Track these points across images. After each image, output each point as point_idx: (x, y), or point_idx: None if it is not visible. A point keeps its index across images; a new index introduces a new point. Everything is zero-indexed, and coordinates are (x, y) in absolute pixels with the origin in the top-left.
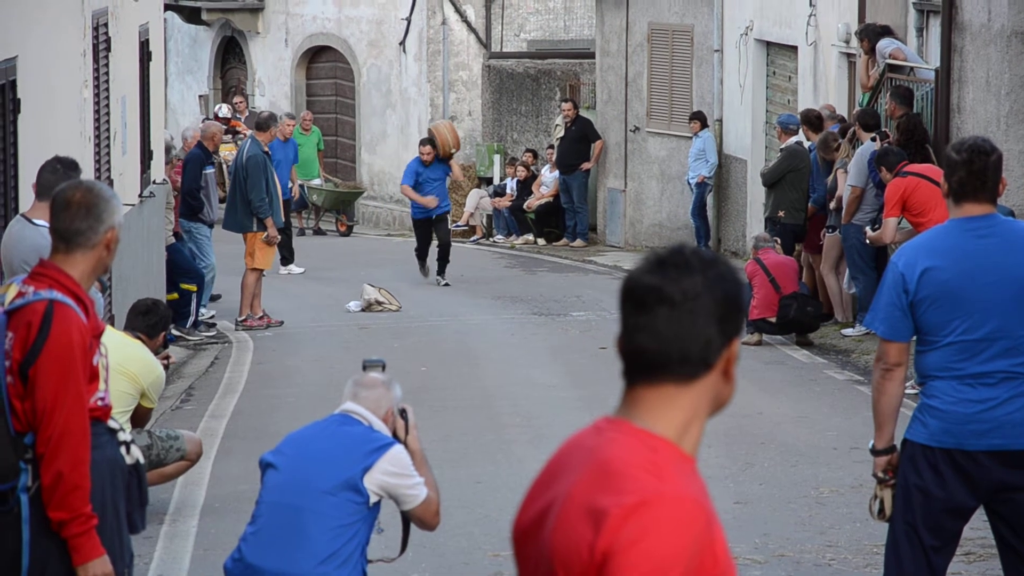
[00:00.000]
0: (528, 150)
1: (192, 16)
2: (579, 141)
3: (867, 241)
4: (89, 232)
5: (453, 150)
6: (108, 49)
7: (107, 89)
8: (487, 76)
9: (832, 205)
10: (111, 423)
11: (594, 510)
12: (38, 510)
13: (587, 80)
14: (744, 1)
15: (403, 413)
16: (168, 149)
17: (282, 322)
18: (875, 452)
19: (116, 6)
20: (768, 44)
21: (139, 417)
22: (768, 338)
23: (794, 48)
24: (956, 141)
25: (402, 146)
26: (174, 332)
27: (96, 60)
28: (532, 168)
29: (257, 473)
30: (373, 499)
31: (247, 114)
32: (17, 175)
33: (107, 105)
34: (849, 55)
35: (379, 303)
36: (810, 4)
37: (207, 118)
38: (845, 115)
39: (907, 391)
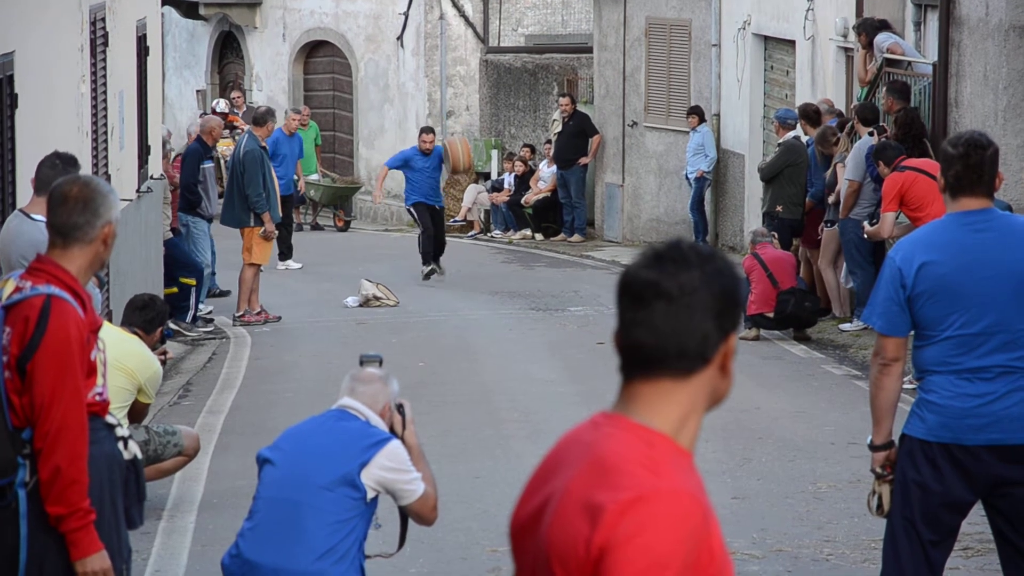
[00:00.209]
0: (526, 145)
1: (190, 11)
2: (577, 136)
3: (865, 236)
4: (86, 227)
5: (462, 168)
6: (106, 44)
7: (104, 84)
8: (485, 71)
9: (831, 199)
10: (109, 418)
11: (591, 505)
12: (36, 505)
13: (585, 75)
14: None
15: (400, 408)
16: (163, 143)
17: (280, 318)
18: (873, 447)
19: (113, 1)
20: (766, 38)
21: (136, 413)
22: (766, 333)
23: (792, 42)
24: (952, 135)
25: (400, 141)
26: (172, 326)
27: (94, 55)
28: (530, 163)
29: (255, 469)
30: (371, 494)
31: (245, 109)
32: (14, 170)
33: (105, 100)
34: (847, 49)
35: (377, 298)
36: None
37: (205, 113)
38: (843, 109)
39: (905, 386)
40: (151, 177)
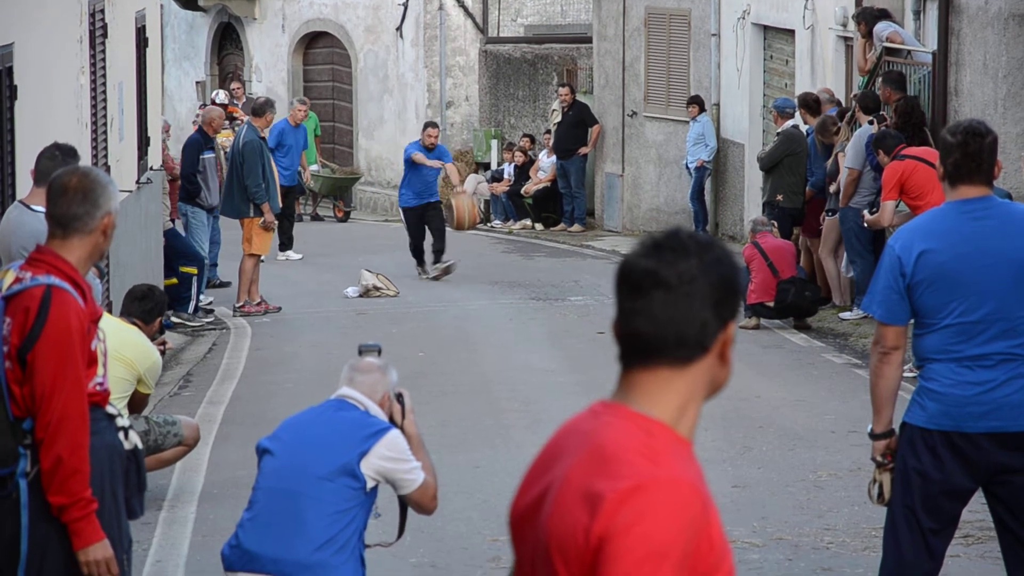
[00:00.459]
0: (525, 135)
1: (189, 2)
2: (576, 126)
3: (865, 224)
4: (86, 217)
5: (465, 227)
6: (105, 35)
7: (104, 75)
8: (484, 61)
9: (832, 189)
10: (109, 408)
11: (590, 494)
12: (37, 495)
13: (584, 65)
14: None
15: (400, 397)
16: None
17: (280, 308)
18: (873, 436)
19: None
20: (765, 28)
21: (136, 403)
22: (766, 322)
23: (791, 32)
24: (951, 124)
25: (399, 131)
26: (174, 319)
27: (93, 46)
28: (529, 153)
29: (255, 459)
30: (370, 484)
31: (244, 100)
32: (14, 162)
33: (104, 91)
34: (846, 38)
35: (377, 289)
36: None
37: (204, 104)
38: (843, 99)
39: (905, 375)
40: (150, 168)
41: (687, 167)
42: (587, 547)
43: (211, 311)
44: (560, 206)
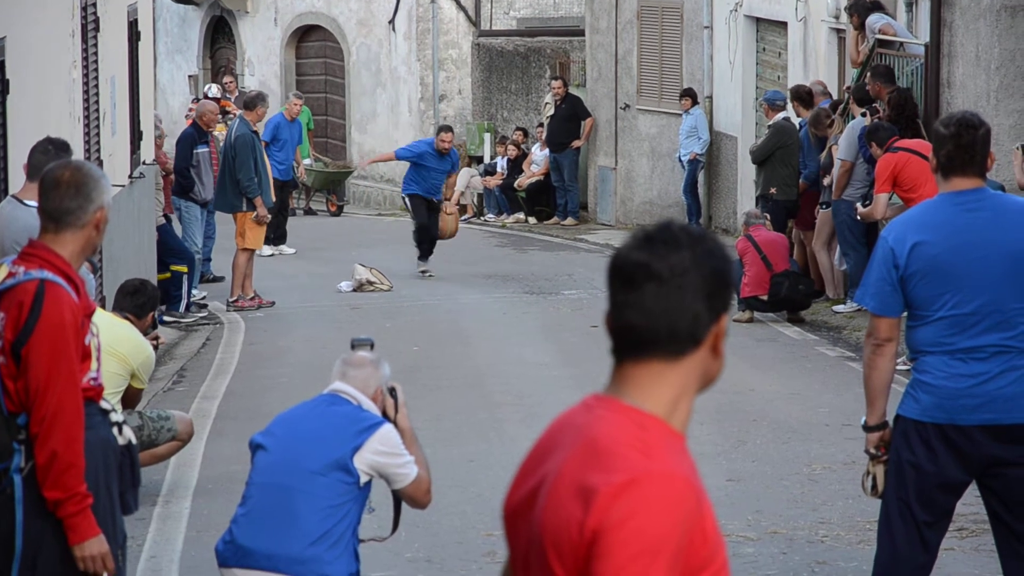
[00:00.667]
0: (518, 128)
1: None
2: (569, 119)
3: (858, 217)
4: (79, 211)
5: (446, 236)
6: (97, 29)
7: (96, 69)
8: (477, 54)
9: (826, 181)
10: (103, 404)
11: (584, 488)
12: (32, 491)
13: (577, 58)
14: None
15: (392, 391)
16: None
17: (273, 303)
18: (867, 428)
19: None
20: (758, 20)
21: (130, 398)
22: (759, 315)
23: (784, 24)
24: (945, 116)
25: (392, 125)
26: (167, 317)
27: (85, 40)
28: (522, 147)
29: (249, 454)
30: (363, 479)
31: (237, 94)
32: (6, 156)
33: (96, 85)
34: (839, 31)
35: (370, 283)
36: None
37: (197, 98)
38: (835, 91)
39: (899, 367)
40: (143, 162)
41: (680, 160)
42: (581, 541)
43: (204, 306)
44: (553, 199)
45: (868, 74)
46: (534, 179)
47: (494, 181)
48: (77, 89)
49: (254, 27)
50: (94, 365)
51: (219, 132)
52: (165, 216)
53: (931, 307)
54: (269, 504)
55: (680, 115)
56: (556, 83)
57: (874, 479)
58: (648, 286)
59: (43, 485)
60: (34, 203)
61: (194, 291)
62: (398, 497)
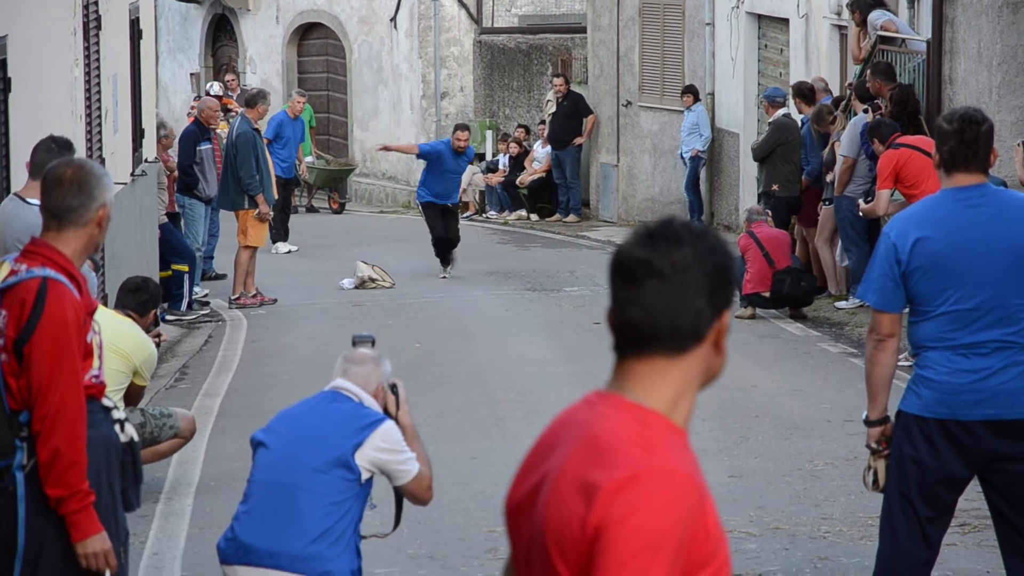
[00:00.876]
0: (520, 125)
1: None
2: (571, 116)
3: (860, 213)
4: (81, 209)
5: None
6: (98, 27)
7: (98, 68)
8: (478, 52)
9: (828, 178)
10: (105, 401)
11: (586, 485)
12: (34, 488)
13: (579, 55)
14: None
15: (394, 388)
16: (157, 128)
17: (275, 300)
18: (868, 423)
19: None
20: (760, 17)
21: (132, 395)
22: (761, 311)
23: (785, 21)
24: (948, 112)
25: (394, 122)
26: (168, 315)
27: (87, 38)
28: (524, 144)
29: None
30: (365, 475)
31: (239, 92)
32: (8, 154)
33: (98, 84)
34: (841, 27)
35: (372, 280)
36: None
37: (199, 96)
38: (837, 87)
39: (900, 363)
40: (145, 160)
41: (682, 157)
42: (583, 537)
43: (207, 303)
44: (555, 196)
45: (869, 71)
46: (536, 176)
47: (496, 178)
48: (79, 87)
49: (256, 25)
50: (96, 363)
51: (222, 130)
52: (169, 215)
53: (933, 303)
54: (271, 501)
55: (682, 112)
56: (558, 80)
57: (875, 474)
58: (650, 282)
59: (45, 482)
60: (36, 201)
61: (196, 289)
62: (400, 494)
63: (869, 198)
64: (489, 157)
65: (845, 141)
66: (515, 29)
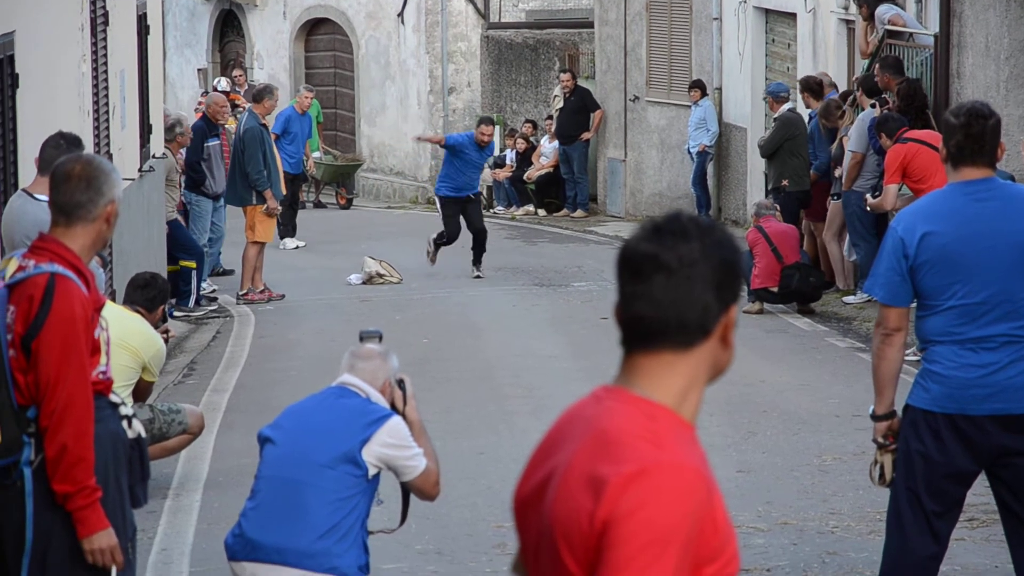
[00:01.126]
0: (527, 121)
1: None
2: (578, 111)
3: (868, 208)
4: (89, 205)
5: None
6: (106, 23)
7: (105, 63)
8: (486, 47)
9: (836, 173)
10: (113, 397)
11: (594, 479)
12: (41, 484)
13: (586, 50)
14: None
15: (401, 383)
16: (172, 126)
17: (283, 295)
18: (875, 418)
19: None
20: (767, 11)
21: (141, 391)
22: (769, 306)
23: (793, 15)
24: (955, 106)
25: (401, 118)
26: (176, 312)
27: (94, 34)
28: (531, 139)
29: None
30: (372, 471)
31: (246, 87)
32: (16, 150)
33: (106, 79)
34: (848, 21)
35: (380, 275)
36: None
37: (206, 92)
38: (844, 82)
39: (908, 357)
40: (153, 156)
41: (689, 152)
42: (591, 532)
43: (215, 299)
44: (563, 192)
45: (877, 65)
46: (543, 171)
47: (503, 173)
48: (86, 83)
49: (263, 20)
50: (103, 359)
51: (231, 125)
52: (176, 211)
53: (941, 297)
54: (278, 498)
55: (689, 107)
56: (565, 76)
57: (882, 468)
58: (657, 277)
59: (52, 478)
60: (45, 197)
61: (203, 284)
62: (407, 489)
63: (877, 193)
64: (496, 152)
65: (854, 136)
66: (522, 24)
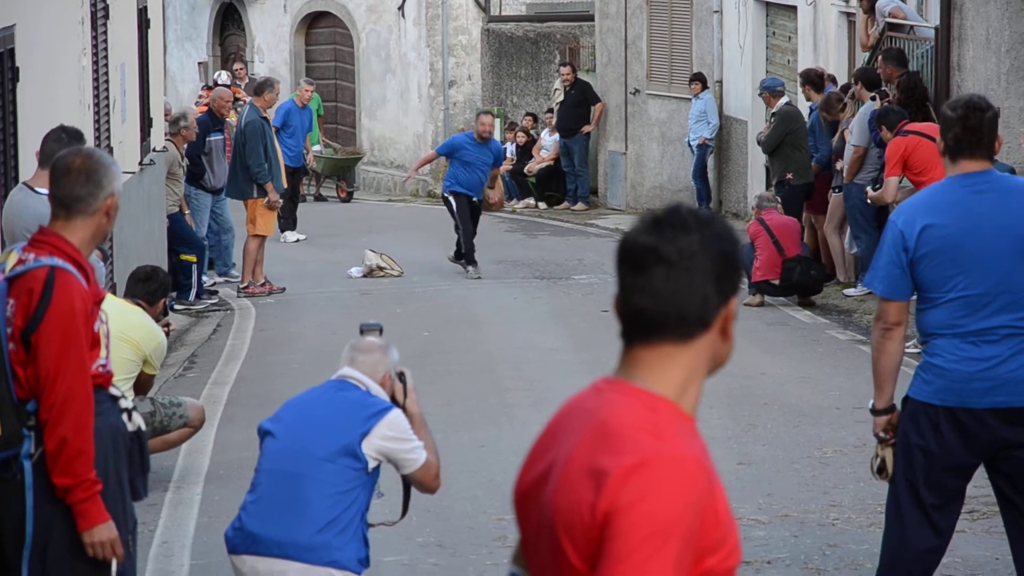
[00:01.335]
0: (528, 114)
1: None
2: (579, 105)
3: (869, 201)
4: (89, 198)
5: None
6: (106, 17)
7: (106, 57)
8: (486, 40)
9: (838, 166)
10: (112, 390)
11: (595, 471)
12: (41, 477)
13: (587, 43)
14: None
15: (401, 376)
16: (177, 120)
17: (284, 288)
18: (875, 412)
19: None
20: (768, 4)
21: (142, 384)
22: (770, 299)
23: (793, 8)
24: (952, 99)
25: (402, 111)
26: (176, 306)
27: (94, 28)
28: (532, 132)
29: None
30: (372, 464)
31: (247, 81)
32: (16, 144)
33: (106, 73)
34: (849, 14)
35: (381, 268)
36: None
37: (207, 85)
38: (846, 75)
39: (909, 349)
40: (153, 149)
41: (690, 145)
42: (593, 523)
43: (215, 292)
44: (563, 185)
45: (880, 57)
46: (544, 164)
47: (504, 167)
48: (87, 77)
49: (263, 14)
50: (103, 352)
51: (231, 119)
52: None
53: (941, 289)
54: (278, 491)
55: (690, 100)
56: (565, 69)
57: (882, 462)
58: (657, 269)
59: (52, 471)
60: (45, 191)
61: (204, 277)
62: (407, 482)
63: (877, 185)
64: (508, 154)
65: (856, 131)
66: (523, 17)
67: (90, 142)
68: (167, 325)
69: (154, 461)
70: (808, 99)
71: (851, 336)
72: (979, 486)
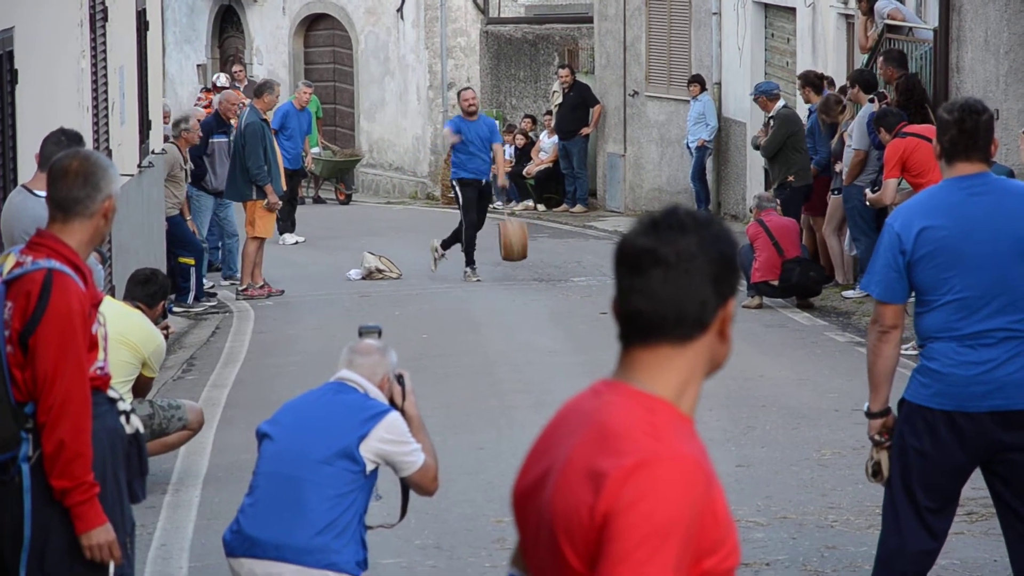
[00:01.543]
0: (527, 116)
1: None
2: (578, 107)
3: (867, 203)
4: (87, 200)
5: (515, 256)
6: (105, 19)
7: (104, 59)
8: (485, 42)
9: (837, 168)
10: (111, 392)
11: (594, 472)
12: (39, 480)
13: (585, 45)
14: None
15: (400, 379)
16: (179, 122)
17: (283, 291)
18: (870, 415)
19: None
20: (766, 6)
21: (140, 387)
22: (769, 301)
23: (792, 10)
24: (948, 102)
25: (401, 113)
26: (175, 308)
27: (93, 30)
28: (531, 134)
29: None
30: (370, 467)
31: (246, 83)
32: (15, 146)
33: (105, 75)
34: (848, 16)
35: (379, 271)
36: None
37: (206, 87)
38: (844, 77)
39: (908, 352)
40: (152, 152)
41: (688, 147)
42: (592, 525)
43: (214, 295)
44: (562, 187)
45: (880, 58)
46: (543, 166)
47: (503, 168)
48: (86, 79)
49: (262, 16)
50: (101, 355)
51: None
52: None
53: (938, 291)
54: (276, 494)
55: (688, 102)
56: (563, 72)
57: (877, 465)
58: (655, 271)
59: (50, 474)
60: (44, 193)
61: (203, 278)
62: (406, 484)
63: (876, 187)
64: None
65: (855, 134)
66: (522, 19)
67: (89, 144)
68: (166, 328)
69: (152, 463)
70: (807, 101)
71: (850, 338)
72: (977, 488)
